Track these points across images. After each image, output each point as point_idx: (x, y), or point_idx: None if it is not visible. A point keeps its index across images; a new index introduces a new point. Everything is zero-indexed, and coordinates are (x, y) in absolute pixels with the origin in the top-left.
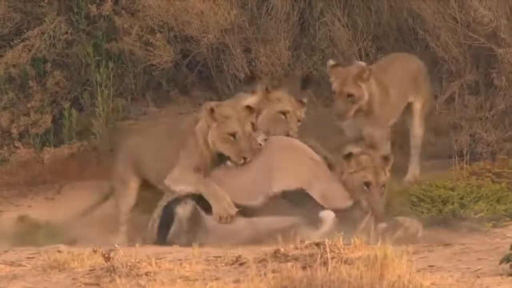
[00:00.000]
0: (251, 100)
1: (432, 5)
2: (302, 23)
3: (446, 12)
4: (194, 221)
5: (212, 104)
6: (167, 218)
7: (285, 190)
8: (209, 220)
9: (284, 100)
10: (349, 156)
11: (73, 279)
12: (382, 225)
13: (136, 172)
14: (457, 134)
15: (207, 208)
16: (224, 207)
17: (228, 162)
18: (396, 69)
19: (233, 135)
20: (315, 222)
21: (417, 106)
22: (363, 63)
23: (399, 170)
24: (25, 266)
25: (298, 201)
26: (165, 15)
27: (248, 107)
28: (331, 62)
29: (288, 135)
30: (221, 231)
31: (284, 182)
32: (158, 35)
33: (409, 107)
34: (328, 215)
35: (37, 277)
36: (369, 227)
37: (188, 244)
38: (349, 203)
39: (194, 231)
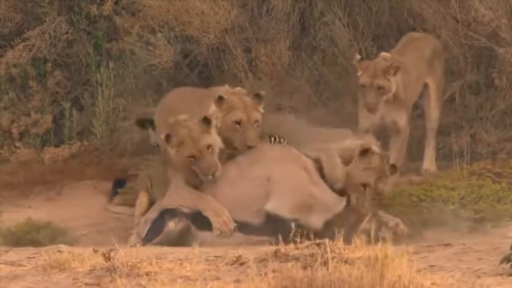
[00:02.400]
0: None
1: (432, 5)
2: (303, 23)
3: (447, 12)
4: (184, 238)
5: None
6: (158, 225)
7: (279, 216)
8: (205, 236)
9: (236, 107)
10: (365, 152)
11: (74, 279)
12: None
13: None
14: (458, 134)
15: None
16: (222, 221)
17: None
18: (413, 50)
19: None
20: None
21: (433, 88)
22: (388, 55)
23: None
24: (25, 266)
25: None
26: (166, 15)
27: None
28: (357, 56)
29: (248, 146)
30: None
31: (280, 207)
32: (159, 35)
33: (424, 89)
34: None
35: (37, 277)
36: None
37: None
38: (343, 204)
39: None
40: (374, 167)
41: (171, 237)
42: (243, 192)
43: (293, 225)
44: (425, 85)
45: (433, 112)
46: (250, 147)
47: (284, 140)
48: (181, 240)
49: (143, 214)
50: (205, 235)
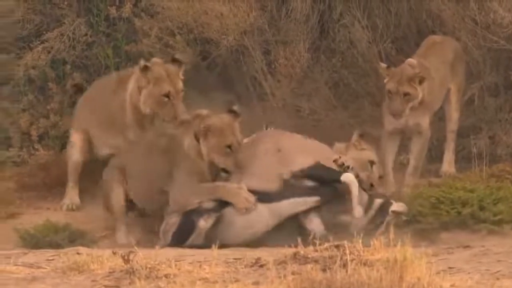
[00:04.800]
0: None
1: (451, 7)
2: (322, 25)
3: (466, 14)
4: (213, 227)
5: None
6: (186, 227)
7: (303, 168)
8: (229, 214)
9: (163, 79)
10: (362, 135)
11: (93, 281)
12: (378, 201)
13: None
14: (477, 136)
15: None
16: (243, 199)
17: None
18: (436, 55)
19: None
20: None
21: (454, 90)
22: (414, 62)
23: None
24: (44, 268)
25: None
26: (185, 17)
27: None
28: (382, 64)
29: (177, 119)
30: (243, 223)
31: (299, 161)
32: (178, 37)
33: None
34: (349, 177)
35: (56, 279)
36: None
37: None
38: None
39: (214, 231)
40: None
41: (202, 236)
42: (256, 164)
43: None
44: (448, 89)
45: (454, 114)
46: (179, 120)
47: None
48: (212, 229)
49: (123, 210)
50: (235, 218)
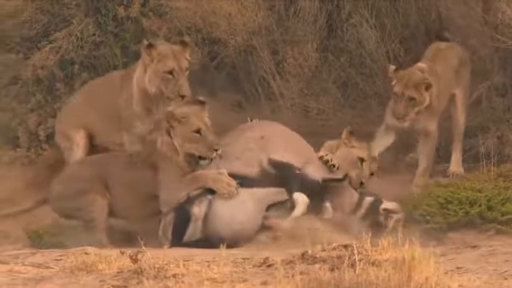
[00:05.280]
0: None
1: (459, 8)
2: (330, 25)
3: (474, 14)
4: (209, 217)
5: None
6: (182, 218)
7: (279, 161)
8: (215, 203)
9: (167, 56)
10: (352, 132)
11: (101, 281)
12: (369, 199)
13: None
14: (485, 136)
15: None
16: (225, 184)
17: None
18: (442, 61)
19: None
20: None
21: (460, 96)
22: (424, 66)
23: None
24: (52, 268)
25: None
26: (193, 17)
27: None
28: (392, 67)
29: (181, 96)
30: (227, 209)
31: (279, 151)
32: (186, 37)
33: (452, 96)
34: (301, 198)
35: (64, 279)
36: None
37: (203, 238)
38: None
39: (205, 223)
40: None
41: (200, 224)
42: (238, 149)
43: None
44: (453, 94)
45: (460, 118)
46: (183, 97)
47: None
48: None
49: (107, 222)
50: (220, 203)
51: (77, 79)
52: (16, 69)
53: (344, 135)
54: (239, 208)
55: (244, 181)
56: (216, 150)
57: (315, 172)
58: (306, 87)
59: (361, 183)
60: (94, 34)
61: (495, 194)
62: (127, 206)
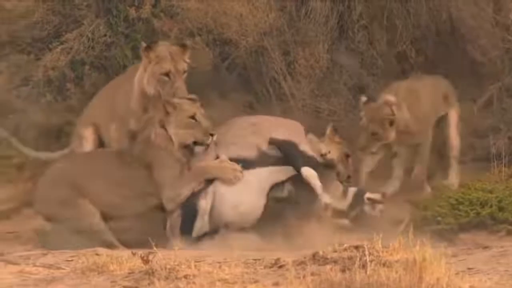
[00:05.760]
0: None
1: (470, 8)
2: (341, 25)
3: (485, 15)
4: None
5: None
6: (190, 213)
7: (281, 140)
8: (219, 190)
9: (164, 58)
10: (336, 129)
11: (112, 282)
12: (353, 189)
13: None
14: (496, 136)
15: None
16: (229, 170)
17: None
18: (425, 94)
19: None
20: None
21: (453, 116)
22: (392, 99)
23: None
24: (63, 269)
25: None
26: (204, 18)
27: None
28: (363, 98)
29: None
30: (233, 193)
31: (274, 133)
32: (197, 38)
33: (444, 118)
34: (308, 171)
35: (76, 280)
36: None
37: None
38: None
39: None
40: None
41: (207, 218)
42: (233, 135)
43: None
44: (444, 116)
45: (454, 141)
46: (180, 98)
47: None
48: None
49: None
50: (224, 189)
51: (88, 80)
52: (27, 70)
53: (328, 131)
54: (244, 190)
55: (244, 164)
56: (212, 135)
57: (311, 150)
58: (317, 88)
59: (349, 177)
60: (105, 35)
61: (506, 195)
62: (115, 205)
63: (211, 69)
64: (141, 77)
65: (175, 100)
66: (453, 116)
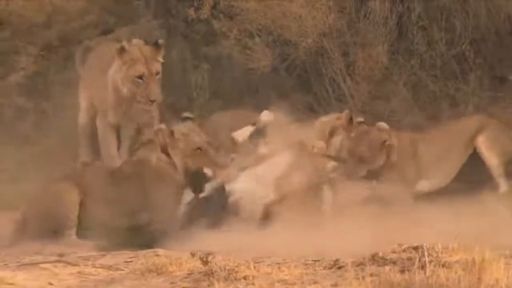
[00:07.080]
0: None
1: None
2: (400, 26)
3: None
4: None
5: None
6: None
7: None
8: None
9: (138, 61)
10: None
11: (171, 283)
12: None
13: None
14: None
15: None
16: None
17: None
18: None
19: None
20: None
21: (483, 140)
22: (385, 126)
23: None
24: (123, 270)
25: None
26: (263, 19)
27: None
28: (359, 119)
29: (151, 100)
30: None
31: None
32: (257, 39)
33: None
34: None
35: (135, 281)
36: None
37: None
38: None
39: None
40: None
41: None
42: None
43: None
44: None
45: (493, 161)
46: (152, 101)
47: None
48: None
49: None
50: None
51: None
52: None
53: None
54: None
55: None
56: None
57: None
58: (377, 89)
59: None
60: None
61: None
62: (104, 221)
63: (270, 70)
64: (116, 77)
65: (183, 130)
66: (483, 143)
